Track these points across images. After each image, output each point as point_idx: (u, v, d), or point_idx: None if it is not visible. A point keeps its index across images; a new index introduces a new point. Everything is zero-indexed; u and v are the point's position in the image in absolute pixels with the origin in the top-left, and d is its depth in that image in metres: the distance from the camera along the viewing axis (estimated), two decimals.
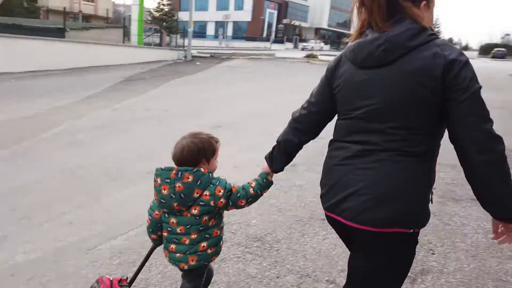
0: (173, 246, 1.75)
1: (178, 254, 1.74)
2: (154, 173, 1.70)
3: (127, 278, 1.91)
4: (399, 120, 1.28)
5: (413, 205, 1.29)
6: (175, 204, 1.65)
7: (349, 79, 1.39)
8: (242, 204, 1.73)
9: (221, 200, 1.67)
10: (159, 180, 1.67)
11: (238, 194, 1.71)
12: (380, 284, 1.40)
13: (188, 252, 1.72)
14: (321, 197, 1.49)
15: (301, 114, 1.60)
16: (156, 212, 1.77)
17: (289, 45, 53.52)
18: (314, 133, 1.63)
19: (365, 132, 1.35)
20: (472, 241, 3.10)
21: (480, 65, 33.04)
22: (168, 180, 1.64)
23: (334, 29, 66.32)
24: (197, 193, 1.64)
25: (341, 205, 1.36)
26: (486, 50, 59.67)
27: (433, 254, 2.88)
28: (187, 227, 1.70)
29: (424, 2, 1.32)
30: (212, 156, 1.73)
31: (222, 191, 1.68)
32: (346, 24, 68.38)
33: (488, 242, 3.07)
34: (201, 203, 1.66)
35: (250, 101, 9.43)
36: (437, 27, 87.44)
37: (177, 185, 1.63)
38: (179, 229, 1.71)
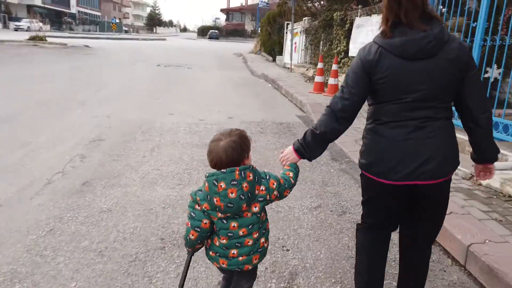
0: (234, 251, 1.71)
1: (241, 258, 1.72)
2: (207, 180, 1.62)
3: None
4: (444, 96, 1.72)
5: (457, 154, 1.81)
6: (244, 205, 1.64)
7: (399, 70, 1.68)
8: (287, 194, 1.79)
9: (275, 192, 1.72)
10: (223, 185, 1.60)
11: (286, 185, 1.76)
12: (443, 218, 1.92)
13: (251, 252, 1.72)
14: (381, 173, 1.77)
15: (346, 104, 1.77)
16: (205, 221, 1.67)
17: None
18: (353, 119, 1.83)
19: (420, 109, 1.70)
20: (306, 223, 3.19)
21: (207, 45, 37.33)
22: (235, 182, 1.60)
23: (50, 6, 58.64)
24: (257, 190, 1.66)
25: (417, 170, 1.71)
26: (203, 32, 67.24)
27: (287, 250, 2.78)
28: (249, 227, 1.69)
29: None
30: (249, 149, 1.72)
31: (275, 183, 1.72)
32: (65, 2, 61.76)
33: (317, 219, 3.24)
34: (260, 199, 1.68)
35: None
36: (158, 10, 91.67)
37: (244, 186, 1.62)
38: (241, 232, 1.69)
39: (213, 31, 62.47)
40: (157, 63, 16.06)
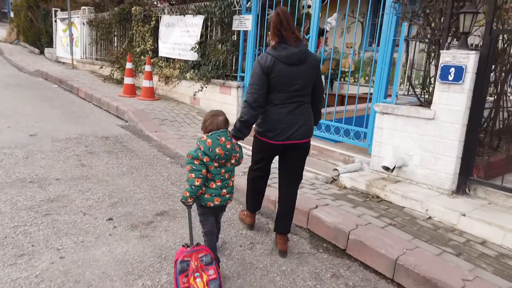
0: (224, 190, 2.49)
1: (228, 195, 2.53)
2: (209, 137, 2.37)
3: (186, 244, 2.37)
4: (309, 89, 2.74)
5: (313, 126, 2.88)
6: (234, 154, 2.49)
7: (284, 72, 2.62)
8: (241, 161, 2.63)
9: (240, 157, 2.60)
10: (223, 139, 2.40)
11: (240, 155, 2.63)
12: (304, 162, 2.92)
13: (231, 191, 2.56)
14: (272, 137, 2.73)
15: (257, 96, 2.64)
16: (204, 170, 2.36)
17: None
18: (263, 105, 2.70)
19: (297, 96, 2.69)
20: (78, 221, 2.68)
21: None
22: (229, 138, 2.45)
23: None
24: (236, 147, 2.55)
25: (293, 134, 2.70)
26: None
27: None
28: (230, 173, 2.52)
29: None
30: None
31: (238, 149, 2.60)
32: None
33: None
34: (235, 153, 2.52)
35: None
36: None
37: (233, 141, 2.50)
38: (227, 176, 2.49)
39: None
40: None
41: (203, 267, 2.24)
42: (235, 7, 6.34)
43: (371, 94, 4.57)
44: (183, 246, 2.34)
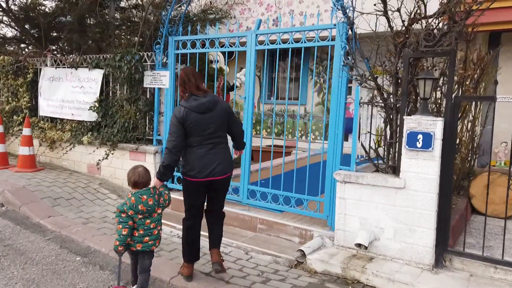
0: (147, 238, 2.91)
1: (151, 242, 2.93)
2: (133, 195, 2.87)
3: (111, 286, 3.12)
4: (222, 131, 3.25)
5: (232, 163, 3.35)
6: (157, 208, 2.96)
7: (197, 119, 3.10)
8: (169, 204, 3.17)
9: (167, 202, 3.10)
10: (145, 197, 2.88)
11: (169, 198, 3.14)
12: (225, 196, 3.47)
13: (156, 237, 2.98)
14: (194, 175, 3.15)
15: (176, 143, 3.09)
16: (130, 222, 2.84)
17: None
18: (183, 150, 3.17)
19: (211, 138, 3.17)
20: None
21: None
22: (152, 195, 2.92)
23: None
24: (161, 199, 3.03)
25: (213, 171, 3.14)
26: None
27: None
28: (156, 222, 2.97)
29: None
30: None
31: (167, 196, 3.10)
32: None
33: None
34: (161, 205, 3.02)
35: None
36: None
37: (155, 197, 2.95)
38: (152, 225, 2.94)
39: None
40: None
41: None
42: (146, 61, 5.52)
43: (281, 147, 4.21)
44: (109, 287, 3.12)
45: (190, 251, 3.30)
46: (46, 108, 6.81)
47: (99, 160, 5.91)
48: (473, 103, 4.97)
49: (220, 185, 3.26)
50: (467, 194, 4.94)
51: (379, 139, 4.00)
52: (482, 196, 4.75)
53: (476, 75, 4.47)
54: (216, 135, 3.17)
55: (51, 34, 8.30)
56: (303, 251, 3.68)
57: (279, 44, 4.40)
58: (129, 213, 2.81)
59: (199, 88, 3.17)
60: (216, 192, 3.30)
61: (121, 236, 2.80)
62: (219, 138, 3.20)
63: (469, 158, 5.19)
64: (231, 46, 4.81)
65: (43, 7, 7.88)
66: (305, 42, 4.21)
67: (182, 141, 3.09)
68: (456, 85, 4.17)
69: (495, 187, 4.53)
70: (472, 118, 5.08)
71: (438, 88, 4.03)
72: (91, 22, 6.92)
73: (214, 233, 3.39)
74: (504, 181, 4.61)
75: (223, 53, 6.02)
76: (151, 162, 5.35)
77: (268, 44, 4.50)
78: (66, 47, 7.78)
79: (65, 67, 6.52)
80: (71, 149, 6.29)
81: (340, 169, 3.92)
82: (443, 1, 3.43)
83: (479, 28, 4.38)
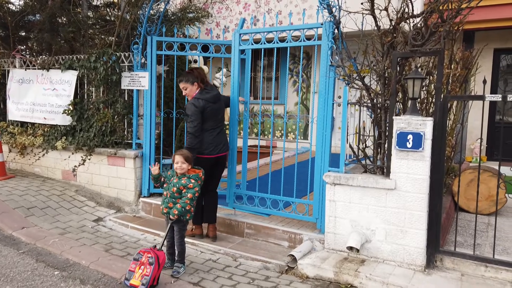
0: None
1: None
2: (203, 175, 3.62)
3: (155, 246, 3.30)
4: (224, 118, 4.34)
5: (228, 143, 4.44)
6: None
7: (212, 108, 4.05)
8: None
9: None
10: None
11: None
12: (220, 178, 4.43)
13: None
14: (209, 153, 4.05)
15: (198, 129, 3.93)
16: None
17: None
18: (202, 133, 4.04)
19: (219, 123, 4.19)
20: None
21: None
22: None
23: None
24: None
25: (221, 149, 4.14)
26: None
27: None
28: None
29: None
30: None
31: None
32: None
33: None
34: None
35: None
36: None
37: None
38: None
39: None
40: None
41: (146, 264, 3.11)
42: (123, 62, 5.29)
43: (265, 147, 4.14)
44: (153, 246, 3.31)
45: (201, 215, 4.16)
46: (15, 112, 6.44)
47: (75, 166, 5.63)
48: (455, 102, 5.02)
49: (222, 161, 4.23)
50: (450, 191, 4.99)
51: (362, 139, 3.94)
52: (465, 193, 4.81)
53: (459, 74, 4.50)
54: (222, 120, 4.21)
55: (19, 33, 7.88)
56: (293, 256, 3.59)
57: (264, 43, 4.29)
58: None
59: (207, 83, 4.20)
60: (218, 168, 4.20)
61: (192, 206, 3.50)
62: (222, 122, 4.22)
63: (451, 156, 5.25)
64: (216, 53, 4.98)
65: (10, 5, 7.44)
66: (290, 41, 4.12)
67: (201, 127, 3.96)
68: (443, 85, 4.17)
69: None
70: (453, 117, 5.14)
71: (424, 88, 4.02)
72: (63, 21, 6.57)
73: (210, 202, 4.17)
74: (485, 178, 4.67)
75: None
76: (130, 167, 5.13)
77: (252, 44, 4.39)
78: (36, 48, 7.37)
79: (35, 69, 6.18)
80: (44, 155, 5.96)
81: (329, 171, 3.86)
82: (430, 0, 3.41)
83: (454, 27, 4.41)
